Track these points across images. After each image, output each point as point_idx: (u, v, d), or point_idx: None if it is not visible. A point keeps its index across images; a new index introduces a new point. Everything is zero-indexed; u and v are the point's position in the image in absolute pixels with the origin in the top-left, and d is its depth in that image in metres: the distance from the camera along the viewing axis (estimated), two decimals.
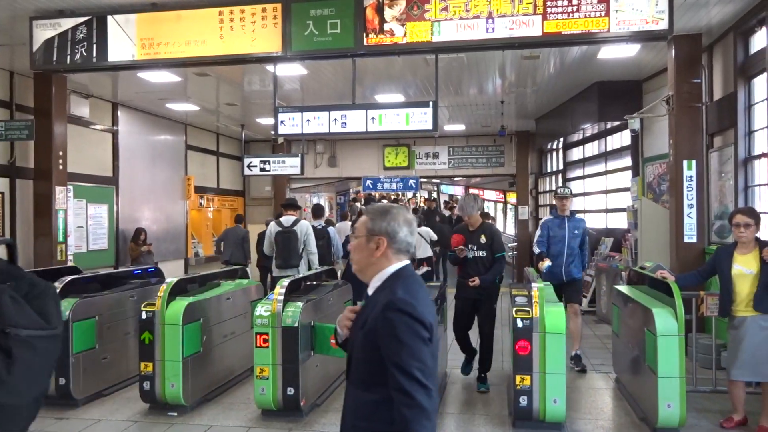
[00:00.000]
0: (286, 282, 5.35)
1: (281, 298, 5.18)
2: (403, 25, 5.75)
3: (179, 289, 5.61)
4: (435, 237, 11.44)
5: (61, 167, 8.63)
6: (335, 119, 6.89)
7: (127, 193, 11.33)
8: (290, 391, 5.08)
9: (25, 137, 7.61)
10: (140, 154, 11.82)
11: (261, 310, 5.16)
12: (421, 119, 6.69)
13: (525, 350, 4.83)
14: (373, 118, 6.81)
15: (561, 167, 14.37)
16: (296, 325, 5.07)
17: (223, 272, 6.96)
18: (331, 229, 9.69)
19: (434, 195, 30.19)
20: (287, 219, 7.59)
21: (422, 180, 23.79)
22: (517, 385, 4.83)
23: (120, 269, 7.55)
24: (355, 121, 6.83)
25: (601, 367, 6.87)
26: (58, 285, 5.56)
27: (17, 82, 8.61)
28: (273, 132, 8.30)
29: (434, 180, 24.59)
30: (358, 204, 22.57)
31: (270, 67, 7.72)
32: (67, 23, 6.19)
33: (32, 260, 8.57)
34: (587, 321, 9.66)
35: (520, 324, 4.85)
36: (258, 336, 5.13)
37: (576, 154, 13.56)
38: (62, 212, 8.69)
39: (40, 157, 8.52)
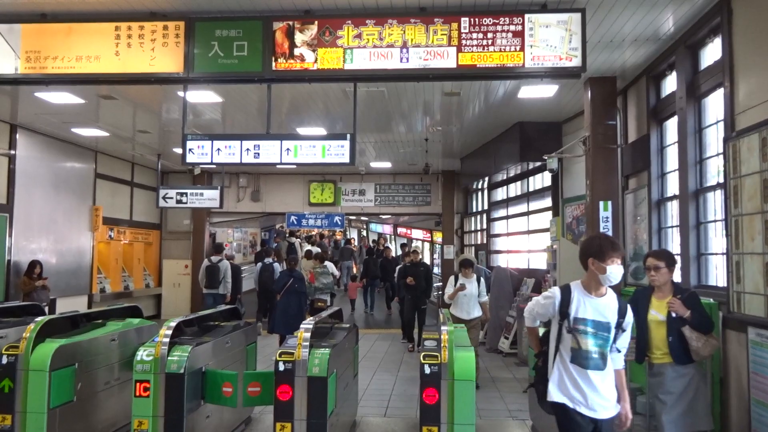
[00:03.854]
0: (173, 323, 4.82)
1: (166, 340, 4.64)
2: (314, 50, 5.45)
3: (53, 329, 4.97)
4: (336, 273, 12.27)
5: None
6: (248, 149, 6.50)
7: (23, 222, 10.43)
8: None
9: None
10: (40, 181, 10.96)
11: (143, 354, 4.60)
12: (338, 152, 6.39)
13: (432, 399, 4.48)
14: (288, 149, 6.45)
15: (486, 207, 14.39)
16: (182, 371, 4.53)
17: (110, 310, 6.31)
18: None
19: (363, 233, 29.97)
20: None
21: (351, 218, 23.56)
22: None
23: None
24: (269, 151, 6.45)
25: (518, 413, 6.59)
26: None
27: None
28: (182, 161, 7.83)
29: (363, 218, 24.38)
30: (295, 239, 22.02)
31: (180, 92, 7.33)
32: None
33: None
34: (508, 363, 9.45)
35: (427, 370, 4.49)
36: (138, 384, 4.56)
37: (500, 194, 13.61)
38: None
39: None
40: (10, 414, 4.59)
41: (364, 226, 29.98)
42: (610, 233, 7.00)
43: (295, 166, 13.71)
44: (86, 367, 5.07)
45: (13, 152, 10.18)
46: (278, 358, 4.45)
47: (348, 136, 6.26)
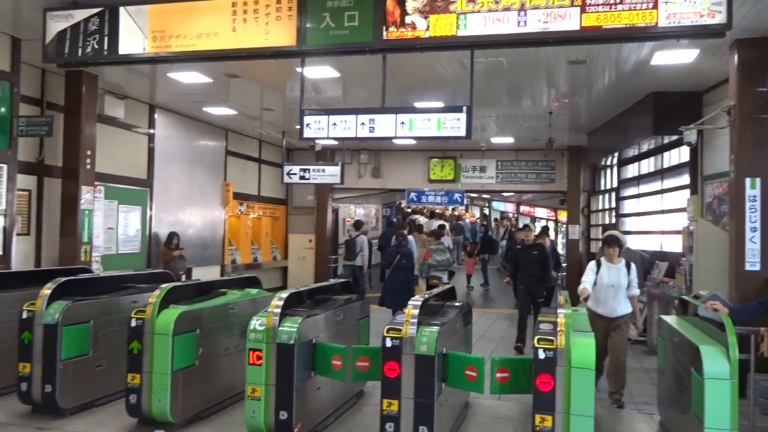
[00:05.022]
0: (285, 294, 4.88)
1: (278, 311, 4.71)
2: (425, 17, 5.24)
3: (176, 296, 5.23)
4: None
5: (88, 167, 8.52)
6: (363, 123, 6.48)
7: (162, 196, 11.20)
8: (283, 415, 4.59)
9: (44, 133, 7.49)
10: (177, 158, 11.70)
11: (255, 323, 4.71)
12: (453, 125, 6.19)
13: (546, 386, 4.18)
14: (402, 122, 6.35)
15: (615, 184, 13.47)
16: (292, 342, 4.58)
17: (231, 280, 6.56)
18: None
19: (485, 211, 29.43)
20: None
21: (472, 195, 23.16)
22: (536, 425, 4.19)
23: (129, 272, 7.26)
24: (384, 125, 6.38)
25: (644, 407, 6.09)
26: (51, 285, 5.28)
27: (49, 80, 8.56)
28: (300, 136, 7.96)
29: (484, 195, 23.88)
30: (420, 217, 22.18)
31: (299, 68, 7.41)
32: (80, 14, 5.99)
33: (57, 260, 8.46)
34: (636, 351, 8.80)
35: (542, 355, 4.20)
36: (251, 352, 4.68)
37: (631, 170, 12.66)
38: (88, 212, 8.55)
39: (68, 156, 8.44)
40: (139, 374, 4.90)
41: (486, 204, 29.38)
42: (758, 214, 6.21)
43: (414, 142, 13.60)
44: (207, 333, 5.29)
45: (152, 131, 10.93)
46: (386, 334, 4.37)
47: (464, 108, 6.03)
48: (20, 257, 7.90)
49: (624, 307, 6.17)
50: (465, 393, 5.72)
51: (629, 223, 12.71)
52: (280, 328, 4.64)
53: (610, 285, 6.12)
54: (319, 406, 5.11)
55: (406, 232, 12.41)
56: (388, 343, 4.36)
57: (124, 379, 5.45)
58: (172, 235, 10.83)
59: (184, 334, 5.00)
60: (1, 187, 7.28)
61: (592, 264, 6.39)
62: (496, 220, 26.39)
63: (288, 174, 12.07)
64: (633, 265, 6.28)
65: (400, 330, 4.37)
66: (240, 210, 14.10)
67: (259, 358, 4.66)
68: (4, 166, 7.32)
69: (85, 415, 5.31)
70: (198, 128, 12.35)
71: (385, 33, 5.35)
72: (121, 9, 5.86)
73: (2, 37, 7.29)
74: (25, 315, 5.21)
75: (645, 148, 11.21)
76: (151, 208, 10.91)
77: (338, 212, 17.28)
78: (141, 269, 10.09)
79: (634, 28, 4.79)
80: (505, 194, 21.36)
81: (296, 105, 10.54)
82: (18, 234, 7.77)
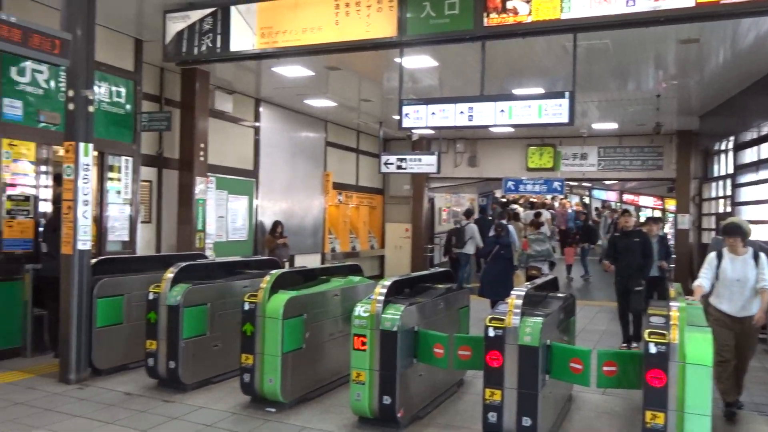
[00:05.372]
0: (388, 281, 4.99)
1: (381, 298, 4.82)
2: (528, 1, 5.14)
3: (284, 282, 5.47)
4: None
5: (201, 159, 9.05)
6: (461, 111, 6.48)
7: (267, 186, 11.69)
8: (386, 400, 4.71)
9: (164, 128, 8.03)
10: (280, 149, 12.16)
11: (360, 310, 4.85)
12: (555, 111, 6.06)
13: (658, 381, 4.04)
14: (502, 110, 6.29)
15: (730, 170, 12.60)
16: (395, 329, 4.69)
17: (334, 268, 6.77)
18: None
19: (585, 200, 28.42)
20: None
21: (571, 183, 22.44)
22: (647, 422, 4.06)
23: (239, 258, 7.67)
24: (483, 113, 6.35)
25: (766, 408, 5.73)
26: (173, 269, 5.68)
27: (167, 78, 9.15)
28: (399, 126, 8.06)
29: (585, 184, 23.06)
30: (518, 207, 21.89)
31: (398, 59, 7.50)
32: (196, 15, 6.37)
33: (175, 246, 9.07)
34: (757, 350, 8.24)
35: (653, 350, 4.05)
36: (356, 338, 4.83)
37: (750, 155, 11.78)
38: (202, 202, 9.09)
39: (184, 148, 9.01)
40: (252, 354, 5.18)
41: (587, 193, 28.37)
42: None
43: (512, 130, 13.37)
44: (313, 318, 5.51)
45: (258, 124, 11.42)
46: (488, 324, 4.37)
47: (566, 94, 5.88)
48: (143, 243, 8.55)
49: (754, 305, 5.28)
50: (568, 386, 5.62)
51: (747, 212, 11.86)
52: (384, 315, 4.75)
53: (735, 279, 5.31)
54: (420, 393, 5.19)
55: (504, 221, 12.31)
56: (491, 333, 4.35)
57: (237, 359, 5.79)
58: (277, 224, 11.28)
59: (293, 318, 5.23)
60: (127, 179, 7.91)
61: (712, 257, 5.56)
62: (597, 209, 25.46)
63: (385, 164, 12.23)
64: (763, 256, 5.36)
65: (503, 320, 4.35)
66: (339, 199, 14.46)
67: (363, 343, 4.80)
68: (130, 159, 7.94)
69: (204, 391, 5.70)
70: (299, 120, 12.76)
71: (485, 20, 5.31)
72: (233, 8, 6.16)
73: (127, 40, 7.88)
74: (151, 296, 5.64)
75: (766, 130, 10.41)
76: (257, 198, 11.43)
77: (434, 201, 17.32)
78: (249, 256, 10.62)
79: (756, 1, 4.47)
80: (607, 182, 20.50)
81: (394, 95, 10.68)
82: (142, 222, 8.41)
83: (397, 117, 12.48)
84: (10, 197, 6.57)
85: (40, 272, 6.59)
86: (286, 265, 10.84)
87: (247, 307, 5.24)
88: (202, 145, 9.00)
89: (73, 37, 5.20)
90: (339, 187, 14.32)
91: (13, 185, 6.60)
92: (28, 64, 6.62)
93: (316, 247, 13.44)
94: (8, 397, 5.36)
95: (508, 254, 9.66)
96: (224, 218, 10.55)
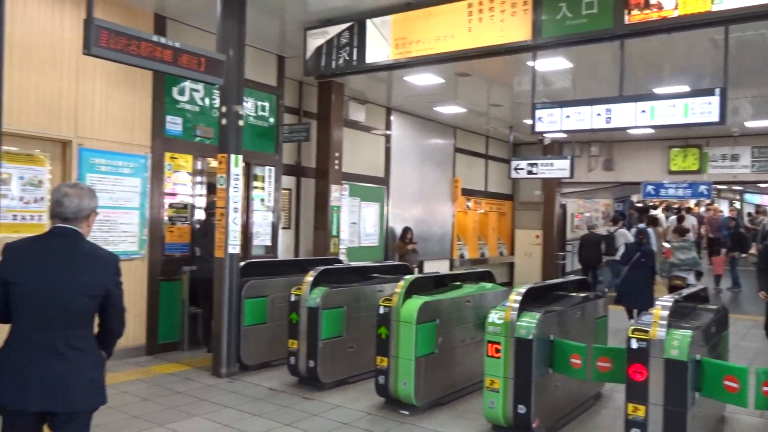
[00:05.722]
0: (523, 289, 4.92)
1: (516, 305, 4.77)
2: None
3: (418, 288, 5.57)
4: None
5: (336, 167, 9.44)
6: (598, 114, 6.27)
7: (397, 193, 11.94)
8: (521, 409, 4.64)
9: (303, 139, 8.48)
10: (410, 157, 12.37)
11: (494, 317, 4.83)
12: (703, 110, 5.69)
13: None
14: (643, 111, 6.01)
15: None
16: (530, 337, 4.61)
17: (465, 274, 6.77)
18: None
19: (736, 205, 26.14)
20: None
21: (719, 187, 20.72)
22: None
23: (372, 263, 7.91)
24: (622, 114, 6.11)
25: None
26: (313, 273, 5.97)
27: (305, 91, 9.66)
28: (532, 130, 7.92)
29: (735, 187, 21.23)
30: (659, 212, 20.67)
31: (530, 62, 7.39)
32: (334, 30, 6.67)
33: (311, 251, 9.54)
34: None
35: None
36: (489, 344, 4.81)
37: None
38: (336, 209, 9.48)
39: (320, 157, 9.45)
40: (386, 357, 5.32)
41: (737, 197, 26.08)
42: None
43: (652, 131, 12.63)
44: (445, 323, 5.55)
45: (389, 132, 11.71)
46: (631, 335, 4.17)
47: (716, 91, 5.49)
48: (283, 247, 9.06)
49: None
50: (720, 405, 5.22)
51: None
52: (519, 323, 4.69)
53: None
54: (556, 404, 5.06)
55: (643, 225, 11.67)
56: (634, 345, 4.16)
57: (370, 361, 5.98)
58: (407, 230, 11.49)
59: (426, 323, 5.31)
60: (270, 187, 8.44)
61: None
62: (749, 214, 23.31)
63: (515, 169, 12.07)
64: None
65: (647, 331, 4.14)
66: (468, 205, 14.43)
67: (497, 350, 4.77)
68: (273, 169, 8.47)
69: (340, 390, 5.93)
70: (429, 127, 12.91)
71: (627, 17, 5.09)
72: (368, 21, 6.40)
73: (270, 57, 8.43)
74: (292, 298, 5.98)
75: None
76: (387, 205, 11.70)
77: (566, 207, 16.74)
78: (380, 261, 10.90)
79: None
80: (762, 185, 18.73)
81: (524, 99, 10.50)
82: (282, 228, 8.93)
83: (528, 121, 12.33)
84: (171, 205, 7.26)
85: (195, 274, 7.20)
86: (416, 270, 11.00)
87: (382, 310, 5.39)
88: (336, 154, 9.39)
89: (227, 58, 5.67)
90: (468, 193, 14.28)
91: (173, 194, 7.29)
92: (187, 84, 7.30)
93: (444, 253, 13.50)
94: (170, 387, 5.91)
95: (649, 262, 9.18)
96: (357, 224, 10.92)
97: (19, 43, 5.71)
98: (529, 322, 4.67)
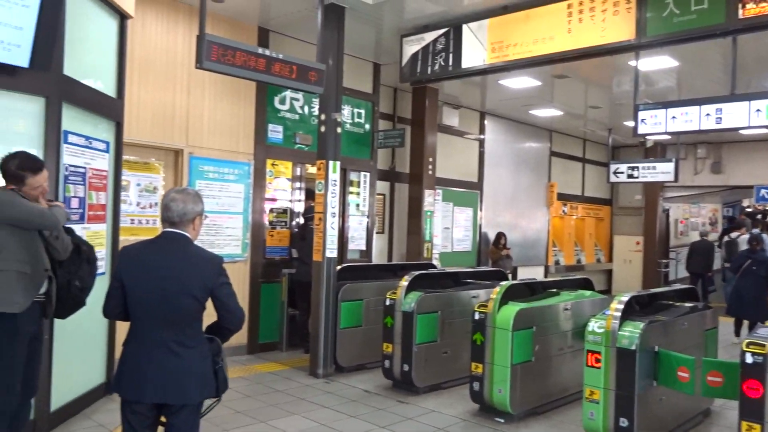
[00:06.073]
0: (625, 297, 4.75)
1: (618, 314, 4.60)
2: None
3: (514, 294, 5.50)
4: None
5: (430, 172, 9.48)
6: (707, 114, 5.94)
7: (491, 198, 11.82)
8: (623, 422, 4.47)
9: (398, 144, 8.58)
10: (504, 161, 12.21)
11: (594, 325, 4.68)
12: None
13: None
14: (758, 110, 5.65)
15: None
16: (633, 347, 4.44)
17: (562, 281, 6.61)
18: None
19: None
20: None
21: None
22: None
23: (466, 268, 7.88)
24: (734, 114, 5.77)
25: None
26: (408, 277, 6.03)
27: (399, 97, 9.78)
28: (634, 133, 7.62)
29: None
30: None
31: (632, 62, 7.11)
32: (430, 37, 6.72)
33: (405, 255, 9.62)
34: None
35: None
36: (589, 354, 4.67)
37: None
38: (430, 213, 9.52)
39: (414, 163, 9.52)
40: (481, 363, 5.29)
41: None
42: None
43: (767, 131, 11.80)
44: (542, 331, 5.45)
45: (482, 136, 11.62)
46: (746, 349, 3.93)
47: None
48: (377, 252, 9.20)
49: None
50: None
51: None
52: (620, 333, 4.53)
53: None
54: (661, 419, 4.84)
55: (758, 231, 10.87)
56: (749, 359, 3.91)
57: (464, 367, 5.95)
58: (500, 235, 11.37)
59: (522, 330, 5.23)
60: (365, 192, 8.62)
61: None
62: None
63: (614, 173, 11.62)
64: None
65: (764, 345, 3.88)
66: (563, 211, 14.04)
67: (597, 360, 4.62)
68: (368, 174, 8.64)
69: (434, 395, 5.95)
70: (523, 131, 12.69)
71: (741, 11, 4.80)
72: (464, 26, 6.40)
73: (366, 65, 8.62)
74: (387, 302, 6.07)
75: None
76: (480, 210, 11.60)
77: (669, 212, 15.91)
78: (473, 266, 10.83)
79: None
80: None
81: (624, 100, 10.12)
82: (376, 232, 9.07)
83: (629, 123, 11.89)
84: (271, 210, 7.57)
85: (293, 276, 7.45)
86: (510, 276, 10.84)
87: (477, 316, 5.36)
88: (430, 159, 9.43)
89: (326, 67, 5.85)
90: (563, 197, 13.90)
91: (273, 200, 7.60)
92: (288, 93, 7.60)
93: (538, 259, 13.20)
94: (270, 385, 6.15)
95: (762, 271, 8.57)
96: (449, 229, 10.90)
97: (138, 61, 6.17)
98: (632, 331, 4.50)
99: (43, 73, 4.13)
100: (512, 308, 5.24)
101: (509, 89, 9.49)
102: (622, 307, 4.65)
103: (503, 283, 5.53)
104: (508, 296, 5.39)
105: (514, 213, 12.51)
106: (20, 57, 3.90)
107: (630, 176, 11.41)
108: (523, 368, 5.25)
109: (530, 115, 11.81)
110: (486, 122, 11.68)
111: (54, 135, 4.33)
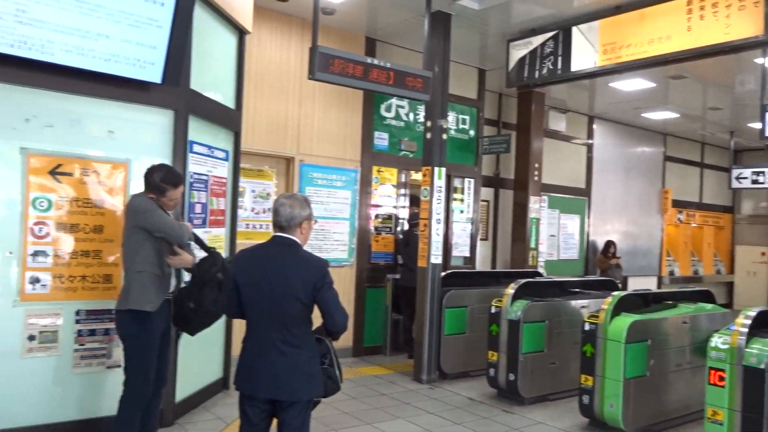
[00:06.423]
0: (752, 312, 4.42)
1: (744, 330, 4.29)
2: None
3: (627, 305, 5.27)
4: None
5: (536, 178, 9.29)
6: None
7: (599, 205, 11.39)
8: None
9: (503, 150, 8.48)
10: (613, 167, 11.73)
11: (718, 341, 4.39)
12: None
13: None
14: None
15: None
16: (763, 366, 4.12)
17: (680, 292, 6.24)
18: None
19: None
20: None
21: None
22: None
23: (574, 277, 7.63)
24: None
25: None
26: (514, 285, 5.94)
27: (504, 102, 9.67)
28: (760, 135, 7.10)
29: None
30: None
31: (758, 59, 6.66)
32: (537, 40, 6.59)
33: (509, 263, 9.48)
34: None
35: None
36: (712, 371, 4.38)
37: None
38: (535, 221, 9.32)
39: (519, 168, 9.38)
40: (591, 376, 5.11)
41: None
42: None
43: None
44: (658, 345, 5.18)
45: (591, 141, 11.23)
46: None
47: None
48: (480, 259, 9.12)
49: None
50: None
51: None
52: (748, 350, 4.22)
53: None
54: None
55: None
56: None
57: (572, 379, 5.77)
58: (609, 244, 10.93)
59: (636, 343, 5.00)
60: (469, 199, 8.58)
61: None
62: None
63: (737, 178, 10.85)
64: None
65: None
66: (679, 218, 13.26)
67: (721, 378, 4.33)
68: (472, 181, 8.60)
69: (541, 407, 5.81)
70: (635, 135, 12.14)
71: None
72: (574, 28, 6.23)
73: (472, 71, 8.60)
74: (493, 310, 6.00)
75: None
76: (588, 217, 11.21)
77: None
78: (580, 275, 10.47)
79: None
80: None
81: (749, 100, 9.43)
82: (480, 239, 9.00)
83: (753, 125, 11.07)
84: (376, 216, 7.71)
85: (398, 282, 7.54)
86: (619, 286, 10.38)
87: (587, 327, 5.19)
88: (536, 165, 9.24)
89: (433, 74, 5.89)
90: (679, 204, 13.13)
91: (379, 206, 7.74)
92: (393, 101, 7.72)
93: (651, 269, 12.54)
94: (375, 388, 6.26)
95: None
96: (555, 237, 10.61)
97: (254, 73, 6.51)
98: (761, 349, 4.19)
99: (173, 88, 4.47)
100: (625, 320, 5.03)
101: (620, 92, 9.13)
102: (749, 322, 4.33)
103: (615, 293, 5.31)
104: (620, 307, 5.18)
105: (625, 220, 11.98)
106: (154, 74, 4.24)
107: (755, 182, 10.63)
108: (637, 383, 5.01)
109: (642, 118, 11.27)
110: (595, 126, 11.28)
111: (181, 145, 4.66)
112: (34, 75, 3.96)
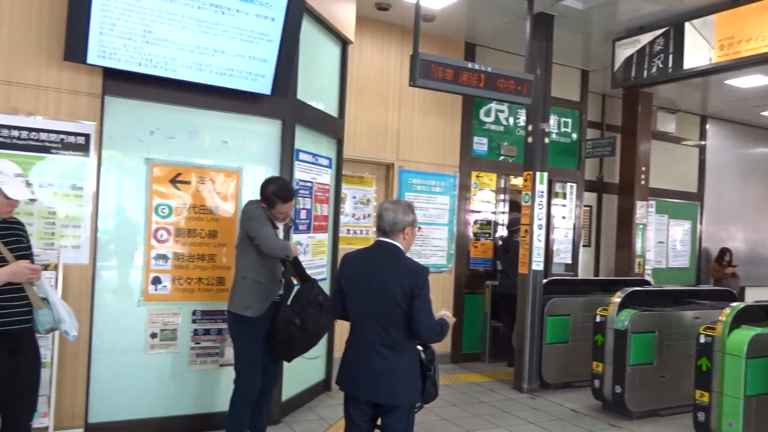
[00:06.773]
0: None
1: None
2: None
3: (747, 317, 4.92)
4: None
5: (643, 182, 8.89)
6: None
7: (713, 210, 10.73)
8: None
9: (608, 153, 8.17)
10: (729, 169, 11.00)
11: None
12: None
13: None
14: None
15: None
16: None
17: None
18: None
19: None
20: None
21: None
22: None
23: (686, 287, 7.20)
24: None
25: None
26: (621, 294, 5.70)
27: (608, 104, 9.32)
28: None
29: None
30: None
31: None
32: (645, 38, 6.31)
33: (613, 270, 9.12)
34: None
35: None
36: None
37: None
38: (642, 226, 8.91)
39: (624, 172, 9.01)
40: (707, 392, 4.81)
41: None
42: None
43: None
44: None
45: (703, 143, 10.60)
46: None
47: None
48: (583, 265, 8.83)
49: None
50: None
51: None
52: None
53: None
54: None
55: None
56: None
57: (685, 394, 5.46)
58: (724, 251, 10.29)
59: (759, 359, 4.66)
60: (571, 204, 8.35)
61: None
62: None
63: None
64: None
65: None
66: None
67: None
68: (574, 185, 8.36)
69: (650, 422, 5.53)
70: (753, 135, 11.34)
71: None
72: (686, 24, 5.92)
73: (574, 73, 8.36)
74: (598, 319, 5.78)
75: None
76: (701, 222, 10.58)
77: None
78: (691, 285, 9.90)
79: None
80: None
81: None
82: (582, 245, 8.71)
83: None
84: (475, 222, 7.65)
85: (497, 288, 7.43)
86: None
87: (702, 340, 4.89)
88: (643, 169, 8.84)
89: (534, 77, 5.79)
90: None
91: (477, 211, 7.67)
92: (493, 105, 7.65)
93: None
94: (474, 395, 6.20)
95: None
96: (664, 243, 10.08)
97: (355, 82, 6.65)
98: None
99: (282, 99, 4.66)
100: (746, 333, 4.70)
101: (738, 89, 8.55)
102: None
103: (735, 304, 4.97)
104: (740, 319, 4.84)
105: (742, 226, 11.20)
106: (264, 86, 4.45)
107: None
108: (760, 401, 4.67)
109: (763, 117, 10.50)
110: (708, 127, 10.63)
111: (288, 153, 4.85)
112: (158, 90, 4.27)
